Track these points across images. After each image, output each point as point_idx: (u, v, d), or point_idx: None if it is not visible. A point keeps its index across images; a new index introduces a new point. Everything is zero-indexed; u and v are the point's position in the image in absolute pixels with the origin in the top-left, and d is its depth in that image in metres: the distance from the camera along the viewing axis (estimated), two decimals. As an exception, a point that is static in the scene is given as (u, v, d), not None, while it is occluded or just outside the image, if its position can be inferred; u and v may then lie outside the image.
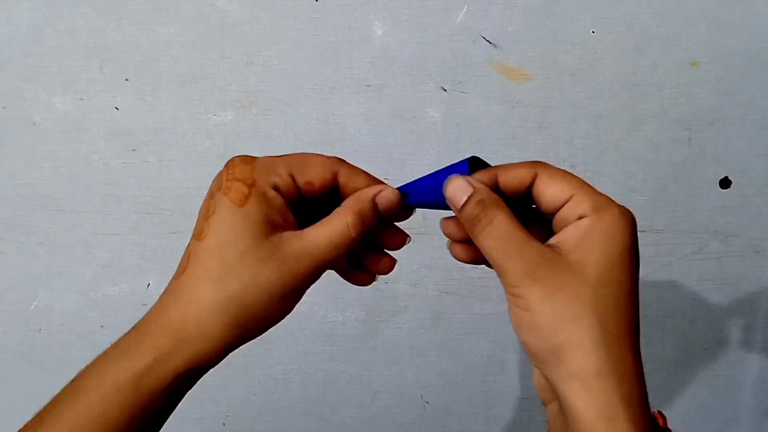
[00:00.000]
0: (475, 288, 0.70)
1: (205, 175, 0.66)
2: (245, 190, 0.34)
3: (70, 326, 0.70)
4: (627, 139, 0.65)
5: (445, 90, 0.64)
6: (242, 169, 0.35)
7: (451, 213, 0.35)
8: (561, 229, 0.33)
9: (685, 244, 0.69)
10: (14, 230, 0.67)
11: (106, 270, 0.68)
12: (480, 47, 0.62)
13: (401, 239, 0.39)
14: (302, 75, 0.63)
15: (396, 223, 0.39)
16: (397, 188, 0.37)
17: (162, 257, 0.68)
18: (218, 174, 0.36)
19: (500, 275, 0.32)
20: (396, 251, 0.40)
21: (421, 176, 0.37)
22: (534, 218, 0.35)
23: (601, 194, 0.32)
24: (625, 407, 0.29)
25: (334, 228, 0.34)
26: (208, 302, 0.33)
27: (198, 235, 0.35)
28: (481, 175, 0.34)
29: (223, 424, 0.74)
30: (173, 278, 0.34)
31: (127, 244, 0.67)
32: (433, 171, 0.36)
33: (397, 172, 0.65)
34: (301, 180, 0.35)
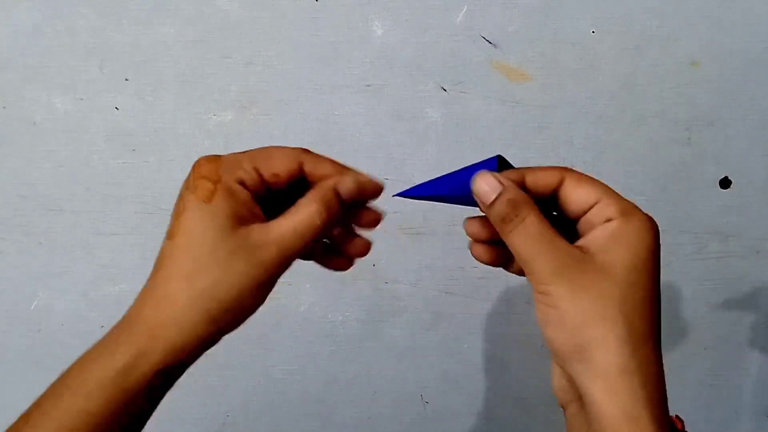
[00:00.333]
0: (475, 288, 0.70)
1: (205, 175, 0.66)
2: (211, 186, 0.35)
3: (70, 326, 0.70)
4: (627, 139, 0.65)
5: (445, 90, 0.64)
6: (207, 167, 0.36)
7: (470, 210, 0.36)
8: (586, 231, 0.33)
9: (685, 244, 0.69)
10: (14, 230, 0.67)
11: (106, 270, 0.68)
12: (480, 47, 0.62)
13: (373, 218, 0.40)
14: (302, 75, 0.63)
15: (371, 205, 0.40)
16: (421, 183, 0.37)
17: (162, 257, 0.68)
18: (187, 175, 0.37)
19: (528, 273, 0.33)
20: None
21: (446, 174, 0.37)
22: (556, 224, 0.35)
23: (626, 200, 0.33)
24: (648, 407, 0.30)
25: (298, 218, 0.35)
26: (180, 298, 0.34)
27: (169, 234, 0.36)
28: (509, 174, 0.34)
29: (223, 424, 0.74)
30: (149, 278, 0.36)
31: (127, 244, 0.67)
32: (453, 171, 0.36)
33: (397, 172, 0.65)
34: (266, 173, 0.36)
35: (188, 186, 0.36)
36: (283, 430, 0.75)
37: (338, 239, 0.41)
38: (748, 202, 0.67)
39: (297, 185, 0.37)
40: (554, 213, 0.35)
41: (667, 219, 0.68)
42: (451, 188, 0.36)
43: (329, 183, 0.37)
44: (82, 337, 0.71)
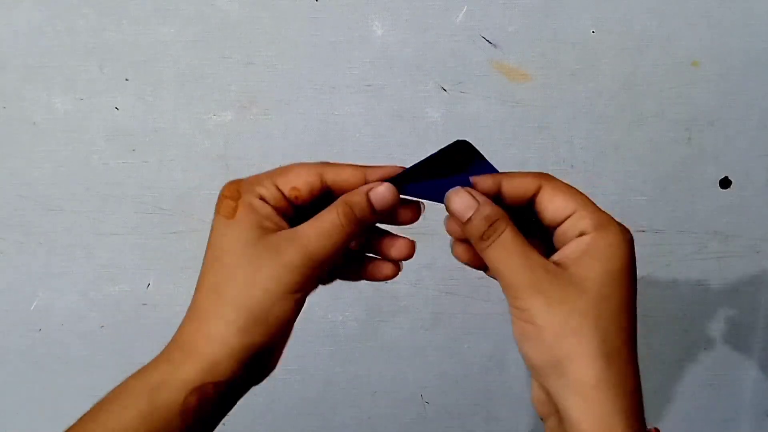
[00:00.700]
0: (475, 288, 0.70)
1: (205, 175, 0.66)
2: (233, 204, 0.35)
3: (70, 326, 0.70)
4: (627, 139, 0.65)
5: (445, 90, 0.64)
6: (229, 188, 0.36)
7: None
8: (561, 242, 0.34)
9: (685, 244, 0.69)
10: (14, 230, 0.67)
11: (106, 270, 0.68)
12: (480, 47, 0.62)
13: (413, 212, 0.39)
14: (302, 75, 0.63)
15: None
16: (392, 178, 0.37)
17: (162, 257, 0.68)
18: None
19: (504, 287, 0.33)
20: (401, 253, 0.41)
21: (418, 163, 0.37)
22: (532, 231, 0.35)
23: (602, 212, 0.33)
24: (623, 419, 0.30)
25: (324, 219, 0.35)
26: (209, 310, 0.34)
27: (204, 256, 0.36)
28: (486, 181, 0.35)
29: (223, 424, 0.74)
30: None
31: (127, 244, 0.67)
32: (427, 157, 0.36)
33: (397, 172, 0.65)
34: (285, 188, 0.36)
35: (215, 209, 0.36)
36: (282, 430, 0.75)
37: (379, 246, 0.41)
38: (748, 202, 0.67)
39: (325, 200, 0.37)
40: (533, 220, 0.35)
41: (667, 219, 0.68)
42: (432, 195, 0.36)
43: (361, 189, 0.37)
44: (82, 337, 0.71)
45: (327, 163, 0.38)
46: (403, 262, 0.40)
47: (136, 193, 0.66)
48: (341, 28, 0.62)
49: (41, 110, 0.64)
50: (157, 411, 0.32)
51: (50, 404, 0.72)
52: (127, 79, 0.63)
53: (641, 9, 0.62)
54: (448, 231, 0.37)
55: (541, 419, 0.36)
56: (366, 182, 0.38)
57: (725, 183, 0.67)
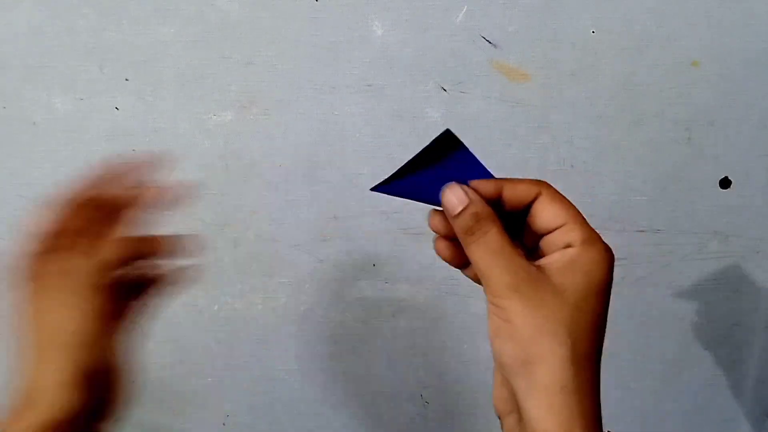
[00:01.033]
0: (475, 288, 0.69)
1: (205, 175, 0.66)
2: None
3: (70, 326, 0.70)
4: (627, 139, 0.65)
5: (445, 90, 0.64)
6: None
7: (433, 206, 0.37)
8: (547, 250, 0.35)
9: (685, 244, 0.69)
10: (14, 230, 0.67)
11: (106, 270, 0.68)
12: (480, 47, 0.62)
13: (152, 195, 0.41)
14: (302, 75, 0.63)
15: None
16: (388, 178, 0.37)
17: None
18: None
19: (485, 285, 0.34)
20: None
21: (406, 163, 0.37)
22: (518, 234, 0.37)
23: (591, 228, 0.35)
24: (582, 423, 0.31)
25: None
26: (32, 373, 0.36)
27: None
28: (487, 185, 0.35)
29: (223, 424, 0.74)
30: None
31: (127, 244, 0.67)
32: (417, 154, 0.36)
33: (397, 172, 0.65)
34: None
35: None
36: (283, 430, 0.75)
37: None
38: (748, 202, 0.67)
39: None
40: (521, 225, 0.37)
41: (667, 219, 0.68)
42: (425, 195, 0.37)
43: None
44: (82, 337, 0.71)
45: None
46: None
47: (136, 193, 0.66)
48: (341, 28, 0.62)
49: (41, 110, 0.64)
50: None
51: (50, 404, 0.72)
52: (127, 79, 0.63)
53: (641, 9, 0.62)
54: (431, 226, 0.38)
55: (498, 417, 0.37)
56: None
57: (725, 183, 0.67)
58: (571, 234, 0.34)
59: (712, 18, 0.62)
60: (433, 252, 0.72)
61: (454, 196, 0.35)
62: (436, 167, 0.37)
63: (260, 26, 0.62)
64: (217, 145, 0.65)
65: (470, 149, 0.37)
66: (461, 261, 0.38)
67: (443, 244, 0.38)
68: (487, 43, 0.62)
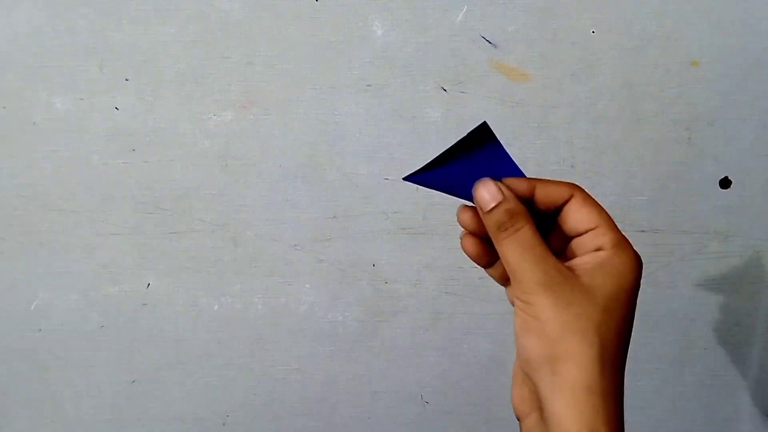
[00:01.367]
0: (475, 288, 0.70)
1: (205, 175, 0.66)
2: None
3: (70, 326, 0.70)
4: (627, 139, 0.65)
5: (445, 90, 0.64)
6: None
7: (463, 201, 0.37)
8: (576, 252, 0.35)
9: (685, 244, 0.69)
10: (14, 230, 0.67)
11: (106, 270, 0.68)
12: (480, 47, 0.62)
13: None
14: (302, 75, 0.63)
15: None
16: (421, 168, 0.37)
17: (162, 257, 0.68)
18: None
19: (515, 281, 0.34)
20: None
21: (442, 153, 0.37)
22: (546, 235, 0.36)
23: (621, 233, 0.35)
24: (606, 424, 0.31)
25: None
26: None
27: None
28: (520, 184, 0.36)
29: (223, 424, 0.74)
30: None
31: (127, 244, 0.67)
32: (451, 147, 0.36)
33: (397, 172, 0.65)
34: None
35: None
36: (283, 430, 0.75)
37: None
38: (748, 202, 0.67)
39: None
40: (552, 226, 0.37)
41: (667, 219, 0.68)
42: (458, 188, 0.37)
43: None
44: (82, 337, 0.71)
45: None
46: None
47: (136, 193, 0.66)
48: (341, 28, 0.62)
49: (41, 110, 0.64)
50: None
51: (50, 404, 0.72)
52: (127, 79, 0.63)
53: (641, 9, 0.62)
54: (460, 222, 0.38)
55: (518, 418, 0.37)
56: None
57: (725, 183, 0.67)
58: (603, 238, 0.34)
59: (712, 18, 0.62)
60: (433, 252, 0.72)
61: (487, 191, 0.35)
62: (468, 161, 0.37)
63: (260, 26, 0.62)
64: (217, 145, 0.65)
65: (504, 145, 0.37)
66: (487, 259, 0.38)
67: (470, 241, 0.38)
68: (487, 43, 0.62)
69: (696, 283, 0.70)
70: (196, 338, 0.70)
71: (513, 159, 0.37)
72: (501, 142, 0.37)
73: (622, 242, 0.34)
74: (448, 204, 0.67)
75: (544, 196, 0.35)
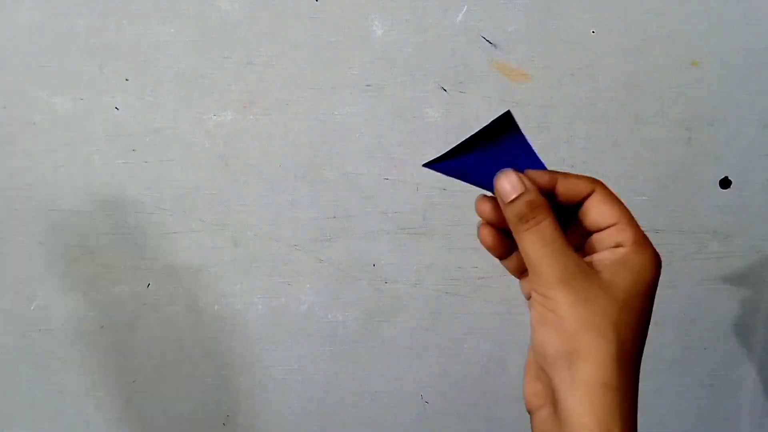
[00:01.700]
0: (475, 288, 0.70)
1: (205, 175, 0.66)
2: None
3: (70, 326, 0.70)
4: (627, 139, 0.65)
5: (445, 90, 0.64)
6: None
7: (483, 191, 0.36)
8: (596, 248, 0.35)
9: (685, 244, 0.69)
10: (14, 230, 0.67)
11: (106, 270, 0.68)
12: (480, 47, 0.62)
13: None
14: (302, 75, 0.63)
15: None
16: (441, 155, 0.37)
17: (162, 257, 0.68)
18: None
19: (534, 274, 0.34)
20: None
21: (463, 141, 0.36)
22: (566, 229, 0.36)
23: (641, 231, 0.34)
24: (621, 422, 0.31)
25: None
26: None
27: None
28: (542, 176, 0.35)
29: (223, 424, 0.74)
30: None
31: (127, 244, 0.67)
32: (475, 134, 0.36)
33: (397, 171, 0.65)
34: None
35: None
36: (283, 430, 0.75)
37: None
38: (748, 202, 0.67)
39: None
40: (572, 220, 0.36)
41: (667, 219, 0.68)
42: (478, 177, 0.36)
43: None
44: (82, 337, 0.71)
45: None
46: None
47: (136, 193, 0.66)
48: (341, 28, 0.62)
49: (41, 110, 0.64)
50: None
51: (50, 404, 0.72)
52: (127, 79, 0.63)
53: (641, 9, 0.62)
54: (478, 212, 0.37)
55: (528, 411, 0.36)
56: None
57: (725, 183, 0.67)
58: (623, 234, 0.34)
59: (712, 18, 0.62)
60: (433, 252, 0.72)
61: (509, 182, 0.34)
62: (490, 150, 0.36)
63: (260, 26, 0.62)
64: (217, 145, 0.65)
65: (526, 136, 0.36)
66: (504, 250, 0.37)
67: (488, 231, 0.37)
68: (487, 43, 0.62)
69: (696, 283, 0.70)
70: (196, 338, 0.70)
71: (535, 151, 0.36)
72: (524, 133, 0.36)
73: (643, 240, 0.34)
74: (448, 204, 0.67)
75: (566, 189, 0.35)
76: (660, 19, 0.62)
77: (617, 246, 0.34)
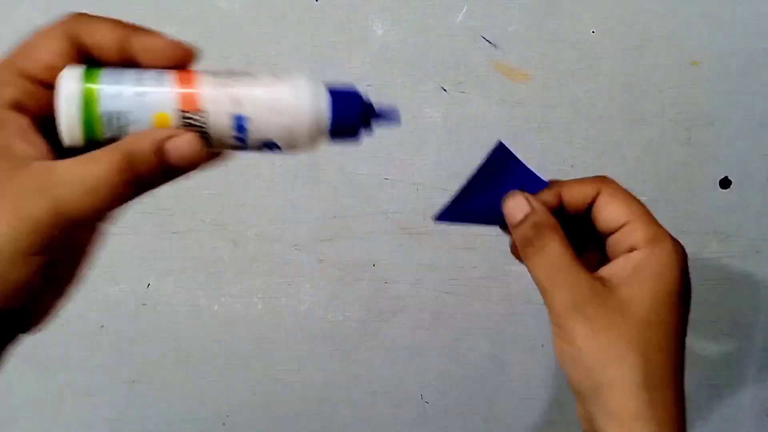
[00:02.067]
0: (475, 288, 0.70)
1: (205, 175, 0.66)
2: None
3: (70, 326, 0.70)
4: (627, 139, 0.65)
5: (445, 90, 0.64)
6: None
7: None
8: (613, 253, 0.33)
9: (685, 244, 0.68)
10: (14, 230, 0.67)
11: (106, 270, 0.68)
12: (480, 47, 0.62)
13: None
14: (302, 75, 0.63)
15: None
16: (448, 205, 0.35)
17: (162, 257, 0.68)
18: None
19: (546, 302, 0.32)
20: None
21: (465, 185, 0.35)
22: (592, 237, 0.34)
23: (656, 225, 0.33)
24: None
25: (92, 169, 0.25)
26: None
27: None
28: (546, 195, 0.34)
29: (223, 424, 0.74)
30: None
31: (127, 244, 0.67)
32: (473, 174, 0.35)
33: (397, 171, 0.65)
34: (38, 72, 0.27)
35: None
36: (283, 430, 0.75)
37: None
38: (748, 202, 0.67)
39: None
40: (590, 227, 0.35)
41: (667, 219, 0.67)
42: (492, 215, 0.35)
43: (152, 138, 0.27)
44: (82, 337, 0.71)
45: (80, 17, 0.30)
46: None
47: (136, 193, 0.66)
48: (341, 28, 0.62)
49: (41, 110, 0.64)
50: None
51: (50, 404, 0.72)
52: (127, 79, 0.63)
53: (641, 9, 0.62)
54: (512, 249, 0.36)
55: None
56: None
57: (725, 183, 0.67)
58: (634, 234, 0.32)
59: (712, 18, 0.62)
60: (433, 252, 0.72)
61: (514, 204, 0.33)
62: (493, 184, 0.35)
63: (260, 26, 0.62)
64: (217, 145, 0.65)
65: (522, 160, 0.35)
66: None
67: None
68: (487, 43, 0.62)
69: (696, 283, 0.70)
70: (196, 338, 0.70)
71: (535, 172, 0.35)
72: (519, 157, 0.35)
73: (657, 236, 0.32)
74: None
75: (570, 198, 0.33)
76: (660, 19, 0.62)
77: (631, 249, 0.31)
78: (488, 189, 0.35)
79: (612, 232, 0.33)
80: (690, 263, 0.64)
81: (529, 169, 0.35)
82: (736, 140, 0.65)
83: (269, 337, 0.71)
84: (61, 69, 0.28)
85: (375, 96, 0.30)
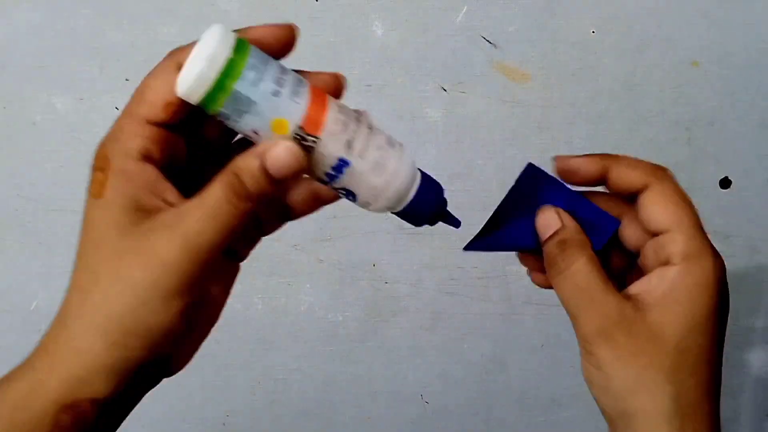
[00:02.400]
0: (475, 288, 0.69)
1: (205, 175, 0.66)
2: (101, 176, 0.28)
3: (70, 326, 0.70)
4: (627, 139, 0.65)
5: (445, 90, 0.64)
6: (99, 152, 0.28)
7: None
8: (646, 258, 0.31)
9: (685, 244, 0.69)
10: (14, 230, 0.67)
11: (106, 270, 0.68)
12: (480, 47, 0.62)
13: (314, 200, 0.32)
14: (302, 75, 0.63)
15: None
16: (475, 237, 0.34)
17: (162, 257, 0.68)
18: None
19: (573, 325, 0.30)
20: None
21: (496, 211, 0.33)
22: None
23: (697, 237, 0.30)
24: None
25: (208, 196, 0.26)
26: (76, 316, 0.28)
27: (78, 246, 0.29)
28: (591, 163, 0.31)
29: (223, 424, 0.74)
30: None
31: (127, 244, 0.67)
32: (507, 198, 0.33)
33: (397, 172, 0.65)
34: (156, 114, 0.29)
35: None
36: (283, 430, 0.75)
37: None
38: (748, 202, 0.67)
39: None
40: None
41: (667, 219, 0.68)
42: (526, 241, 0.33)
43: (252, 151, 0.27)
44: (82, 337, 0.71)
45: (181, 47, 0.31)
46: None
47: (136, 193, 0.66)
48: (341, 28, 0.62)
49: (41, 110, 0.64)
50: (19, 430, 0.26)
51: (50, 404, 0.72)
52: (127, 79, 0.63)
53: (641, 9, 0.62)
54: (523, 262, 0.35)
55: None
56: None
57: (725, 183, 0.67)
58: (672, 246, 0.30)
59: (712, 18, 0.62)
60: (433, 252, 0.72)
61: (545, 219, 0.31)
62: (525, 208, 0.33)
63: (260, 26, 0.62)
64: (217, 145, 0.65)
65: (555, 176, 0.32)
66: None
67: (541, 277, 0.34)
68: (487, 43, 0.62)
69: (696, 283, 0.70)
70: (196, 338, 0.70)
71: (568, 186, 0.33)
72: (552, 174, 0.32)
73: (696, 251, 0.30)
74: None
75: (617, 178, 0.31)
76: (660, 19, 0.62)
77: (667, 261, 0.30)
78: (520, 212, 0.33)
79: (651, 236, 0.31)
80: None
81: (563, 184, 0.33)
82: (736, 140, 0.65)
83: (269, 337, 0.71)
84: (177, 103, 0.28)
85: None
